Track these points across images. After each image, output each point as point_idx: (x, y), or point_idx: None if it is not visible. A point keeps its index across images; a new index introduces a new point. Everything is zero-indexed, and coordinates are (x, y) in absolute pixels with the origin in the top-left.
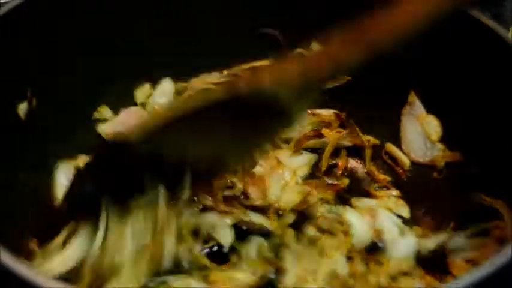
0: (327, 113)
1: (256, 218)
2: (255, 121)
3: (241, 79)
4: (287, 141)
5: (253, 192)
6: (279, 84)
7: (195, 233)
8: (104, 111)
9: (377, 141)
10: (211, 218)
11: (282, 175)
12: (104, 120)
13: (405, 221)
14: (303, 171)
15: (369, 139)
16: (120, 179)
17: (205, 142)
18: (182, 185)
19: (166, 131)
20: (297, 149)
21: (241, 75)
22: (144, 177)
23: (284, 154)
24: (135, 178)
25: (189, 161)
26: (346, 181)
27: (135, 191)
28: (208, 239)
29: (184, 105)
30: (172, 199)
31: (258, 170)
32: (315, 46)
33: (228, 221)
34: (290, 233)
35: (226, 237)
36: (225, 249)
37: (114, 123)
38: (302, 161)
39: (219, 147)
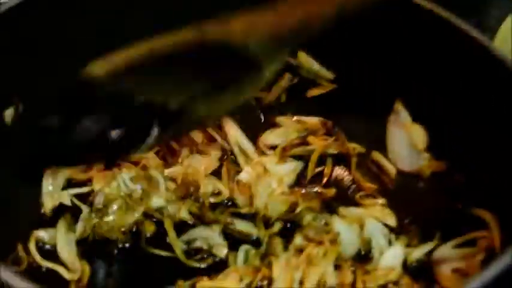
0: (312, 120)
1: (244, 226)
2: (224, 72)
3: (210, 26)
4: (273, 148)
5: (240, 200)
6: (250, 35)
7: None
8: None
9: (363, 150)
10: (203, 232)
11: (268, 183)
12: None
13: (392, 230)
14: (290, 178)
15: (355, 147)
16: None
17: (173, 88)
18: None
19: (134, 71)
20: (283, 156)
21: (210, 24)
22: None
23: (270, 161)
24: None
25: (157, 108)
26: (332, 191)
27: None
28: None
29: (154, 45)
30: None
31: (244, 177)
32: (302, 56)
33: (219, 233)
34: (278, 241)
35: (221, 249)
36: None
37: None
38: (288, 169)
39: (187, 95)
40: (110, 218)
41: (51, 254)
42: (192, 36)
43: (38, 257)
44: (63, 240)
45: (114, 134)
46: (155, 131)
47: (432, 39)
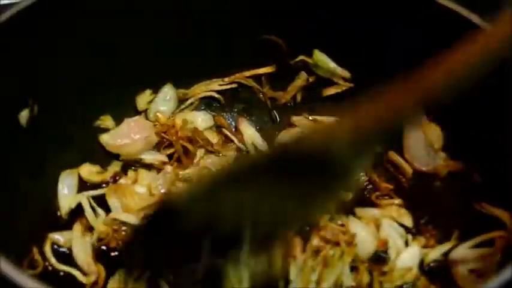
0: (328, 120)
1: None
2: (310, 180)
3: (295, 139)
4: None
5: None
6: (333, 141)
7: None
8: (106, 121)
9: (379, 149)
10: None
11: None
12: (106, 130)
13: (408, 230)
14: None
15: None
16: (173, 243)
17: (259, 202)
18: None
19: (218, 191)
20: None
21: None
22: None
23: None
24: (189, 243)
25: (245, 223)
26: (349, 194)
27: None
28: None
29: (234, 165)
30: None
31: None
32: (317, 54)
33: None
34: (297, 242)
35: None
36: None
37: (116, 133)
38: None
39: (274, 207)
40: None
41: (67, 257)
42: (274, 153)
43: (53, 260)
44: (79, 243)
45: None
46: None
47: (450, 37)
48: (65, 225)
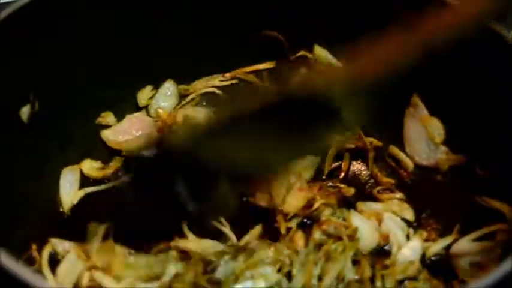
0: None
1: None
2: (303, 123)
3: (293, 79)
4: None
5: (259, 194)
6: (332, 85)
7: None
8: (108, 117)
9: (380, 144)
10: None
11: (286, 177)
12: (108, 127)
13: (410, 224)
14: (308, 173)
15: (372, 141)
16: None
17: (249, 144)
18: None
19: (211, 134)
20: None
21: (293, 76)
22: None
23: None
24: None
25: (229, 165)
26: (351, 190)
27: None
28: None
29: (231, 106)
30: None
31: None
32: (317, 49)
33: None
34: (299, 236)
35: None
36: None
37: (117, 130)
38: (306, 164)
39: (262, 150)
40: None
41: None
42: (276, 94)
43: (44, 263)
44: (68, 265)
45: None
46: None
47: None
48: (67, 222)
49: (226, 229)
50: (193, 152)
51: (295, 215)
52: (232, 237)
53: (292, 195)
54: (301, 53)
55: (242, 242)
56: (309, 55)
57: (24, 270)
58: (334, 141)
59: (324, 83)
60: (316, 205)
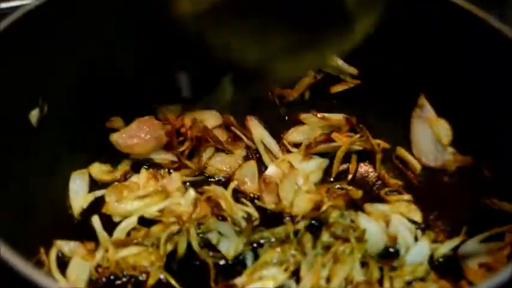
0: (336, 117)
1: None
2: (311, 24)
3: None
4: (297, 146)
5: (267, 197)
6: None
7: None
8: (117, 122)
9: (387, 145)
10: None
11: (294, 180)
12: (116, 130)
13: (418, 225)
14: (315, 176)
15: (379, 143)
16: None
17: (257, 43)
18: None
19: (217, 17)
20: (307, 154)
21: None
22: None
23: (295, 159)
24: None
25: (234, 58)
26: (359, 193)
27: None
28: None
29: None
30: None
31: (270, 173)
32: None
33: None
34: (307, 238)
35: (229, 251)
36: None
37: (126, 133)
38: (314, 166)
39: (269, 53)
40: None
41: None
42: None
43: (53, 266)
44: (76, 266)
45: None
46: (229, 87)
47: (455, 32)
48: (77, 225)
49: (250, 209)
50: (201, 36)
51: (303, 217)
52: (255, 214)
53: (300, 198)
54: None
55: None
56: None
57: (38, 273)
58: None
59: None
60: (324, 207)
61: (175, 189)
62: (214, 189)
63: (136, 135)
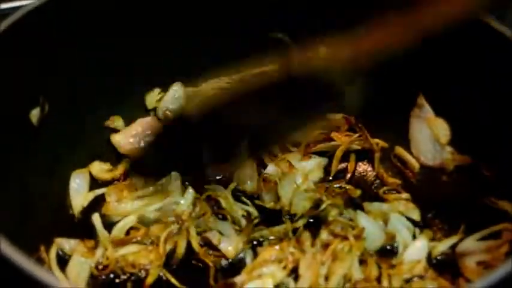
0: (335, 116)
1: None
2: (306, 98)
3: (295, 60)
4: (296, 145)
5: (266, 196)
6: (333, 62)
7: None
8: (117, 121)
9: (386, 144)
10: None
11: (293, 179)
12: (117, 130)
13: (416, 224)
14: (315, 175)
15: (378, 142)
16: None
17: (259, 115)
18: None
19: (224, 106)
20: (307, 153)
21: (294, 57)
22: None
23: (294, 158)
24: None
25: (245, 133)
26: (357, 192)
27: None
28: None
29: (241, 85)
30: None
31: (270, 172)
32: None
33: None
34: (306, 236)
35: (230, 250)
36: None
37: (126, 133)
38: (313, 165)
39: (272, 120)
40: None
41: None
42: (280, 75)
43: (53, 263)
44: (76, 264)
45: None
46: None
47: (454, 32)
48: (78, 224)
49: (250, 207)
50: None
51: (302, 216)
52: (255, 212)
53: (299, 197)
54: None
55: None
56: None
57: (40, 269)
58: (340, 145)
59: (325, 65)
60: (323, 206)
61: (174, 189)
62: (214, 188)
63: (138, 136)
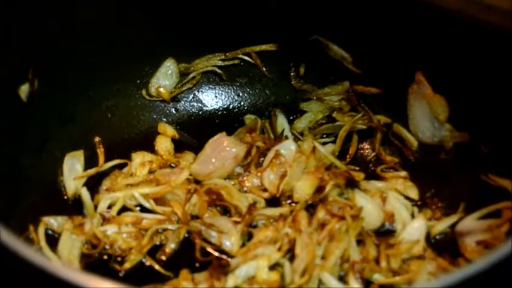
0: (335, 98)
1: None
2: None
3: None
4: (302, 134)
5: (270, 175)
6: None
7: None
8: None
9: (388, 120)
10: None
11: (301, 164)
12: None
13: (414, 203)
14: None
15: (380, 118)
16: None
17: None
18: None
19: None
20: (314, 137)
21: None
22: None
23: (303, 144)
24: None
25: None
26: (361, 175)
27: None
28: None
29: None
30: None
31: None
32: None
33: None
34: (302, 215)
35: (233, 246)
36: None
37: (202, 160)
38: (323, 151)
39: None
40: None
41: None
42: None
43: (43, 243)
44: (66, 241)
45: None
46: None
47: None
48: (70, 204)
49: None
50: None
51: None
52: (261, 200)
53: (303, 182)
54: (316, 36)
55: None
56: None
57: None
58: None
59: None
60: (328, 187)
61: (179, 183)
62: (215, 182)
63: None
